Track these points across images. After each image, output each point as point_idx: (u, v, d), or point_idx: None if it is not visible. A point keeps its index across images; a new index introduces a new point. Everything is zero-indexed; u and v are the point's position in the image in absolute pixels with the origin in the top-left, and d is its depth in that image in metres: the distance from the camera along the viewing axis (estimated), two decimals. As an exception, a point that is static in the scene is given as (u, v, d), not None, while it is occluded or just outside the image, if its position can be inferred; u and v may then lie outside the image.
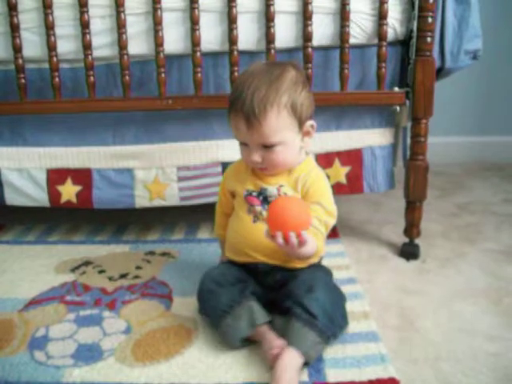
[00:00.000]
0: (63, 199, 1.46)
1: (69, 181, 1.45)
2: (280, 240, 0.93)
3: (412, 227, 1.39)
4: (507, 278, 1.27)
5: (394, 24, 1.30)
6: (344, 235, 1.53)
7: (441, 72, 1.37)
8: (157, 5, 1.27)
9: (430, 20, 1.24)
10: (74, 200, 1.46)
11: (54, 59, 1.32)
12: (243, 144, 1.04)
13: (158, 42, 1.29)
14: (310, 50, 1.29)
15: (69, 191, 1.45)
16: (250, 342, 1.00)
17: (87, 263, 1.38)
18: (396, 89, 1.33)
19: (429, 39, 1.25)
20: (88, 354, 1.00)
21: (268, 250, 1.03)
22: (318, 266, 1.09)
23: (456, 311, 1.13)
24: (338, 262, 1.33)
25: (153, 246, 1.48)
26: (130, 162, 1.42)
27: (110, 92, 1.39)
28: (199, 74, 1.32)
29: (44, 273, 1.33)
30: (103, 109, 1.36)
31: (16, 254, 1.45)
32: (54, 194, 1.45)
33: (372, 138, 1.40)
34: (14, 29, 1.30)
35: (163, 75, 1.32)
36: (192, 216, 1.67)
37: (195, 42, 1.29)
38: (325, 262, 1.14)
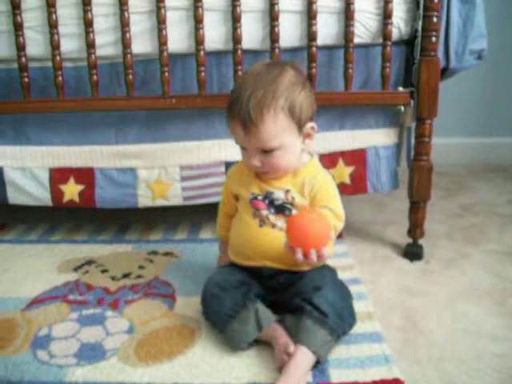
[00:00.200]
0: (66, 198, 1.45)
1: (71, 180, 1.44)
2: (300, 256, 0.93)
3: (416, 228, 1.39)
4: (511, 278, 1.27)
5: (399, 23, 1.30)
6: (348, 235, 1.52)
7: (445, 72, 1.36)
8: (160, 3, 1.26)
9: (434, 19, 1.23)
10: (77, 199, 1.45)
11: (58, 58, 1.32)
12: (243, 148, 1.02)
13: (162, 41, 1.29)
14: (314, 49, 1.29)
15: (71, 190, 1.45)
16: (256, 342, 0.99)
17: (90, 262, 1.38)
18: (400, 89, 1.33)
19: (434, 39, 1.25)
20: (91, 353, 0.99)
21: (274, 254, 1.03)
22: (322, 266, 1.08)
23: (460, 312, 1.13)
24: (341, 263, 1.32)
25: (155, 246, 1.47)
26: (133, 161, 1.42)
27: (113, 91, 1.38)
28: (203, 73, 1.31)
29: (47, 272, 1.33)
30: (106, 108, 1.36)
31: (18, 253, 1.45)
32: (56, 193, 1.45)
33: (376, 138, 1.40)
34: (18, 27, 1.30)
35: (167, 74, 1.31)
36: (194, 216, 1.67)
37: (199, 41, 1.28)
38: (329, 263, 1.13)
